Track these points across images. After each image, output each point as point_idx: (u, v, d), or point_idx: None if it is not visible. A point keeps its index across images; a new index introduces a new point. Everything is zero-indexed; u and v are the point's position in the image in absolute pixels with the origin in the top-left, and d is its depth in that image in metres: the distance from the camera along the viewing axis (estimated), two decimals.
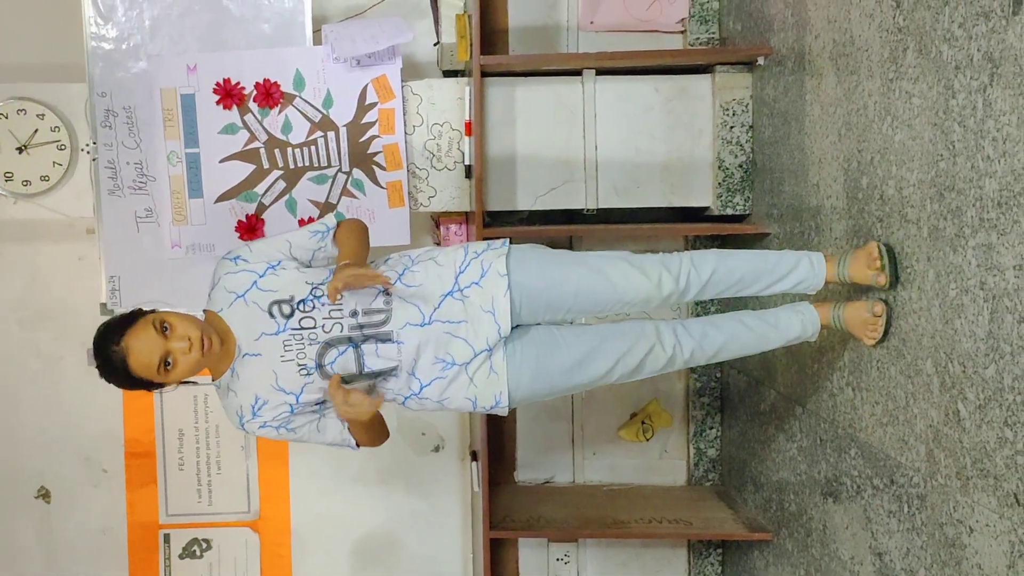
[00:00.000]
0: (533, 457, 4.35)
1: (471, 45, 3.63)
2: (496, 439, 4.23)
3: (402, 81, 3.78)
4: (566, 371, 2.66)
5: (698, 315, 3.91)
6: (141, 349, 2.38)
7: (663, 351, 2.70)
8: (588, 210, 3.92)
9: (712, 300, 4.14)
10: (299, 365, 2.50)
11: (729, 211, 3.88)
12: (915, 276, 2.44)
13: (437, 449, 4.25)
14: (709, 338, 2.75)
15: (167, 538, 4.20)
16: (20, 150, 3.85)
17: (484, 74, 3.74)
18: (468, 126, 3.77)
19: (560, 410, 4.32)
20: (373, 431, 2.67)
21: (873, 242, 2.61)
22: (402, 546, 4.27)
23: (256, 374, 2.51)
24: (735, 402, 4.12)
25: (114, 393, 4.04)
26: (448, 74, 4.03)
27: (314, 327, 2.50)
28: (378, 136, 3.79)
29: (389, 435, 2.78)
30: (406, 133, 3.82)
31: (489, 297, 2.59)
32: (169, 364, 2.40)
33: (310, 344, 2.50)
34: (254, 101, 3.77)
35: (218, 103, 3.77)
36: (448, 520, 4.26)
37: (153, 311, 2.47)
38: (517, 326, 2.67)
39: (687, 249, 4.20)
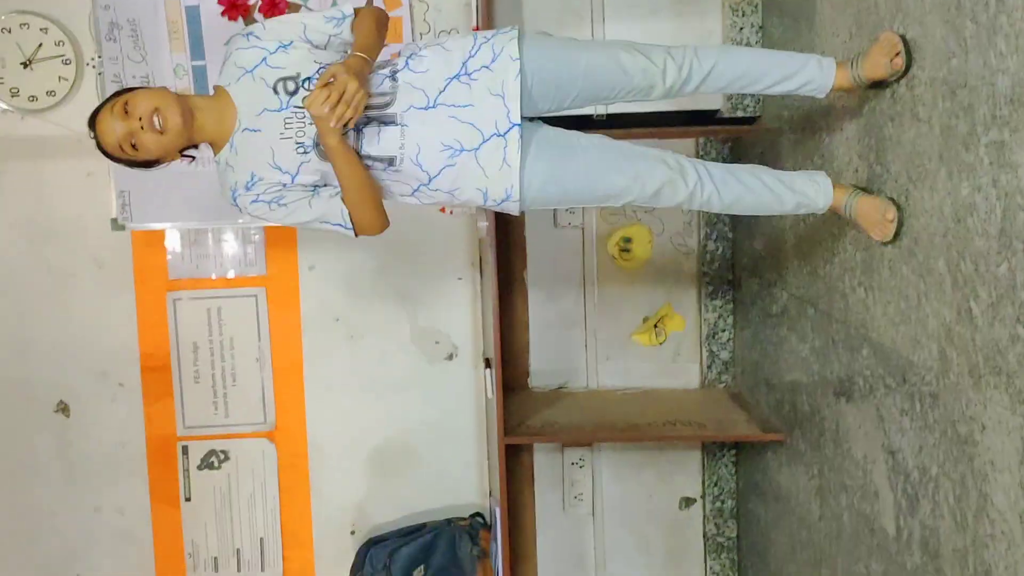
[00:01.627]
0: (547, 363, 4.38)
1: None
2: (510, 346, 4.25)
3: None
4: (580, 179, 2.62)
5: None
6: (105, 132, 2.48)
7: (684, 184, 2.64)
8: (598, 115, 3.88)
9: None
10: (297, 143, 2.50)
11: (739, 113, 3.85)
12: (927, 175, 2.41)
13: (451, 357, 4.27)
14: (728, 186, 2.69)
15: (185, 450, 4.25)
16: (25, 65, 3.82)
17: None
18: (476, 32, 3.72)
19: (573, 315, 4.33)
20: (368, 197, 2.56)
21: (887, 31, 2.56)
22: (418, 454, 4.31)
23: (254, 150, 2.52)
24: (747, 304, 4.12)
25: (128, 308, 4.14)
26: None
27: None
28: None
29: (388, 223, 2.65)
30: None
31: (499, 81, 2.55)
32: (135, 145, 2.47)
33: (311, 123, 2.48)
34: (259, 11, 3.72)
35: (223, 14, 3.73)
36: (463, 427, 4.30)
37: (130, 90, 2.52)
38: (531, 120, 2.64)
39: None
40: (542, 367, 4.38)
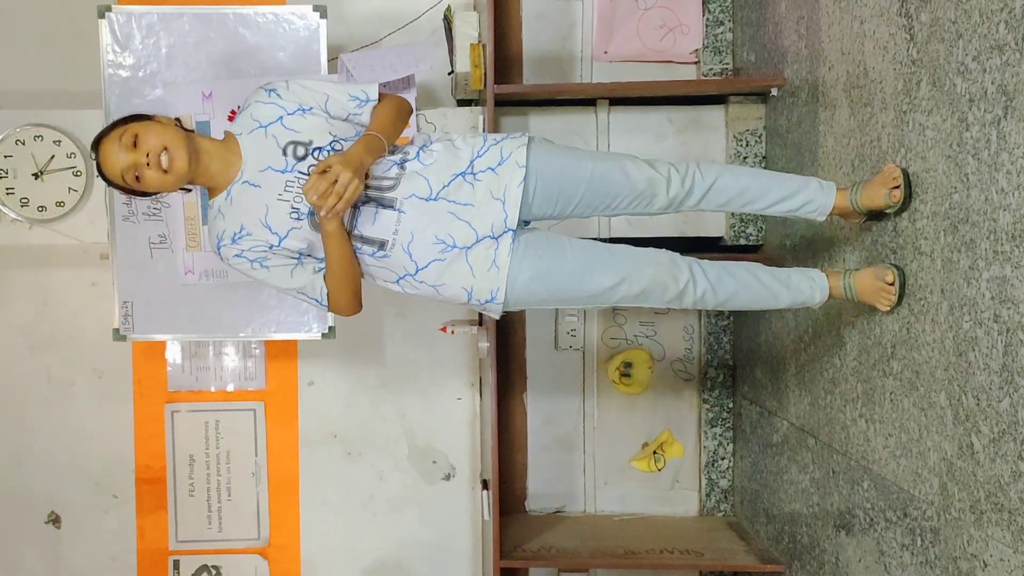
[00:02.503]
0: (544, 486, 4.34)
1: (485, 74, 3.64)
2: (507, 468, 4.22)
3: (417, 110, 3.80)
4: (568, 278, 2.61)
5: None
6: (107, 160, 2.49)
7: (675, 283, 2.64)
8: (600, 239, 3.91)
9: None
10: (292, 208, 2.51)
11: (742, 241, 3.88)
12: (929, 308, 2.43)
13: (448, 477, 4.24)
14: (723, 283, 2.69)
15: (176, 564, 4.19)
16: (36, 176, 3.87)
17: (498, 103, 3.75)
18: None
19: (571, 439, 4.31)
20: (349, 282, 2.58)
21: (890, 163, 2.61)
22: (413, 574, 4.25)
23: (250, 204, 2.52)
24: (747, 433, 4.10)
25: (125, 418, 4.12)
26: (462, 103, 4.04)
27: None
28: None
29: (362, 307, 2.66)
30: None
31: (502, 185, 2.57)
32: (138, 178, 2.48)
33: None
34: None
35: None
36: (458, 549, 4.25)
37: (140, 119, 2.53)
38: (527, 223, 2.66)
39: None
40: (539, 490, 4.34)
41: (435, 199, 2.54)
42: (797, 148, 3.43)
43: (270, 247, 2.54)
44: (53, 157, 3.87)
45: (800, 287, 2.74)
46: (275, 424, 4.19)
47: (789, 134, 3.52)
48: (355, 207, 2.52)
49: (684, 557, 3.80)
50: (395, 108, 2.65)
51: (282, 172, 2.53)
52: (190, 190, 2.68)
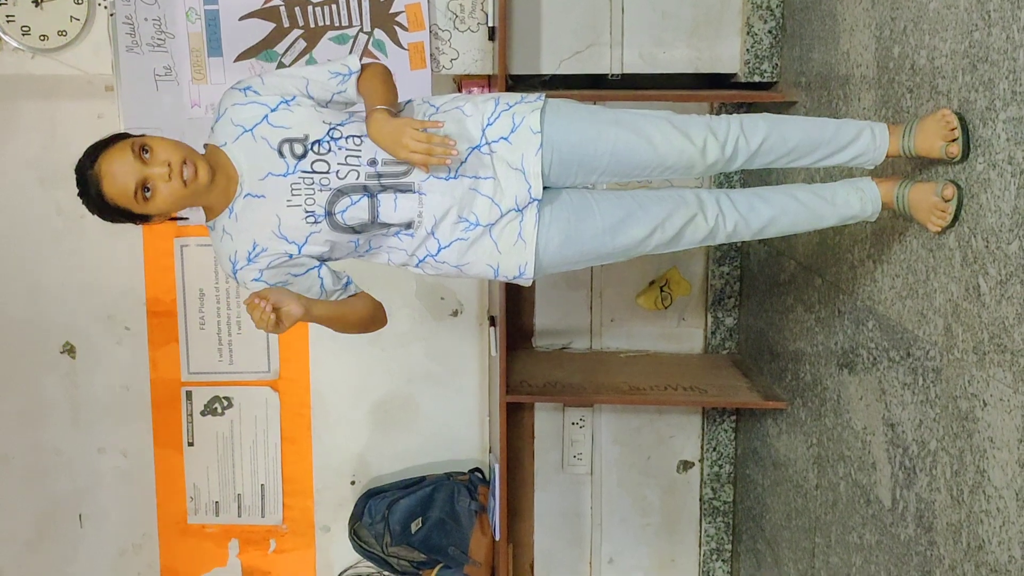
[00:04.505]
0: (551, 323, 4.38)
1: None
2: (515, 305, 4.25)
3: None
4: (598, 236, 2.46)
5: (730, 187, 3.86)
6: (115, 173, 2.21)
7: (704, 221, 2.48)
8: (612, 75, 3.86)
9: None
10: (306, 212, 2.33)
11: (756, 78, 3.81)
12: None
13: (455, 314, 4.27)
14: (756, 211, 2.52)
15: (189, 395, 4.27)
16: (36, 3, 3.79)
17: None
18: None
19: (579, 277, 4.32)
20: (357, 328, 2.56)
21: (945, 108, 2.35)
22: (419, 408, 4.33)
23: (257, 218, 2.33)
24: (755, 271, 4.11)
25: (135, 252, 4.14)
26: None
27: (327, 171, 2.33)
28: None
29: (387, 320, 2.62)
30: None
31: (519, 154, 2.40)
32: (148, 192, 2.23)
33: (320, 190, 2.32)
34: None
35: None
36: (465, 383, 4.31)
37: (135, 136, 2.30)
38: (547, 188, 2.47)
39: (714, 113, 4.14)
40: (546, 327, 4.39)
41: (455, 177, 2.37)
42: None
43: (289, 257, 2.36)
44: None
45: (849, 201, 2.54)
46: None
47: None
48: (372, 195, 2.35)
49: (687, 394, 3.86)
50: (381, 75, 2.45)
51: (284, 176, 2.32)
52: (187, 219, 2.46)
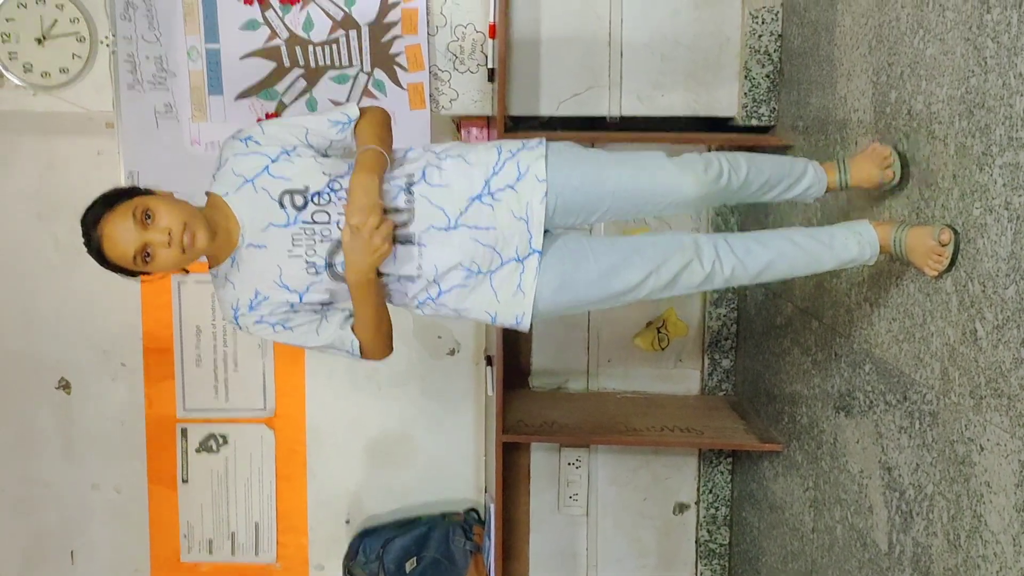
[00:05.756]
0: (548, 363, 4.38)
1: None
2: (511, 344, 4.25)
3: None
4: (593, 282, 2.46)
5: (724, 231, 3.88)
6: (116, 239, 2.23)
7: (700, 266, 2.49)
8: (611, 117, 3.88)
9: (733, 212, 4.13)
10: (307, 262, 2.34)
11: (754, 122, 3.83)
12: (939, 194, 2.41)
13: (452, 353, 4.27)
14: (753, 255, 2.53)
15: (184, 432, 4.26)
16: (39, 41, 3.82)
17: None
18: (492, 28, 3.72)
19: (576, 317, 4.32)
20: (382, 331, 2.46)
21: (875, 142, 2.56)
22: (415, 447, 4.32)
23: (259, 268, 2.35)
24: (752, 314, 4.12)
25: (132, 288, 4.14)
26: None
27: (327, 222, 2.33)
28: (400, 36, 3.75)
29: (393, 349, 2.54)
30: (429, 34, 3.77)
31: (524, 203, 2.40)
32: (148, 256, 2.24)
33: (321, 241, 2.33)
34: None
35: None
36: (462, 423, 4.30)
37: (142, 193, 2.33)
38: (545, 232, 2.47)
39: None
40: (543, 367, 4.38)
41: (455, 227, 2.37)
42: (814, 27, 3.36)
43: (291, 306, 2.38)
44: (56, 22, 3.81)
45: (847, 245, 2.56)
46: None
47: (807, 12, 3.45)
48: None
49: (684, 435, 3.85)
50: (378, 120, 2.48)
51: (285, 227, 2.33)
52: (188, 271, 2.43)
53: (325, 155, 2.46)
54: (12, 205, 4.12)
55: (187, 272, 2.44)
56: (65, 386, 4.23)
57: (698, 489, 4.41)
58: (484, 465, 4.28)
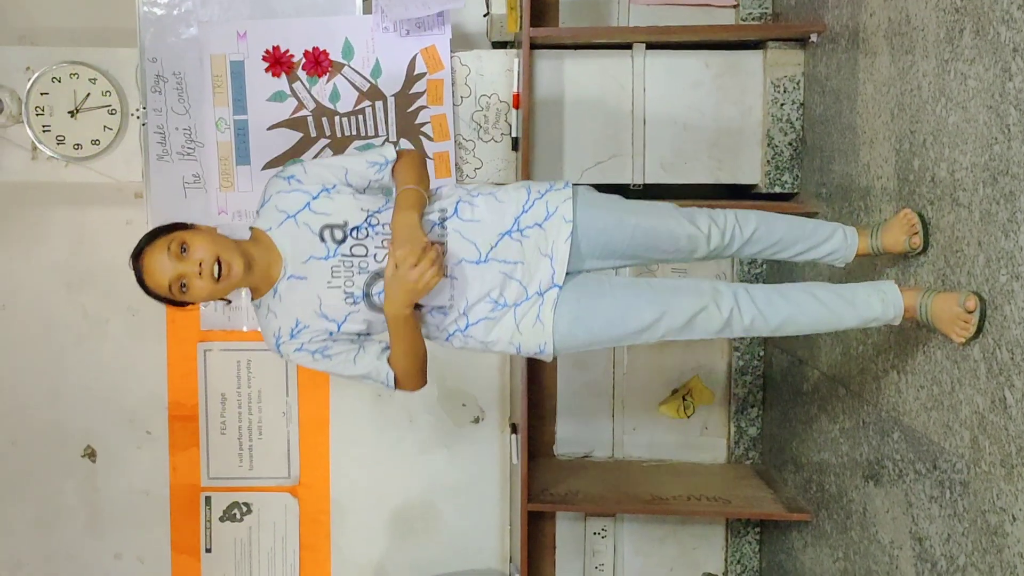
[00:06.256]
0: (573, 431, 4.36)
1: (521, 17, 3.61)
2: (536, 412, 4.24)
3: (451, 52, 3.78)
4: (608, 318, 2.54)
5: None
6: (153, 270, 2.38)
7: (718, 312, 2.54)
8: (635, 185, 3.90)
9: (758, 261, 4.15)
10: (346, 293, 2.45)
11: (777, 189, 3.85)
12: (965, 260, 2.40)
13: (477, 421, 4.26)
14: (774, 306, 2.56)
15: (208, 500, 4.25)
16: (72, 114, 3.89)
17: (534, 46, 3.71)
18: (516, 98, 3.76)
19: (601, 384, 4.31)
20: (417, 363, 2.51)
21: (905, 208, 2.66)
22: (440, 516, 4.29)
23: (300, 298, 2.46)
24: (777, 381, 4.09)
25: (158, 356, 4.17)
26: (497, 45, 4.01)
27: (365, 255, 2.45)
28: (426, 107, 3.79)
29: (427, 381, 2.60)
30: (454, 104, 3.82)
31: (550, 241, 2.53)
32: (184, 287, 2.38)
33: (359, 272, 2.45)
34: (303, 69, 3.78)
35: (267, 70, 3.78)
36: (486, 492, 4.27)
37: (184, 227, 2.44)
38: (568, 272, 2.57)
39: None
40: (568, 435, 4.36)
41: (485, 261, 2.49)
42: (836, 95, 3.38)
43: (329, 334, 2.48)
44: (89, 95, 3.89)
45: (870, 303, 2.58)
46: None
47: (828, 81, 3.47)
48: None
49: (711, 504, 3.81)
50: (415, 162, 2.60)
51: (325, 259, 2.46)
52: (230, 300, 2.60)
53: (363, 192, 2.57)
54: (42, 275, 4.17)
55: (229, 302, 2.59)
56: (91, 455, 4.24)
57: (726, 559, 4.35)
58: (509, 535, 4.24)
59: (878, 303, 2.57)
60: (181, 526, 4.26)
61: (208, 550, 4.27)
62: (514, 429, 3.91)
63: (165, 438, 4.24)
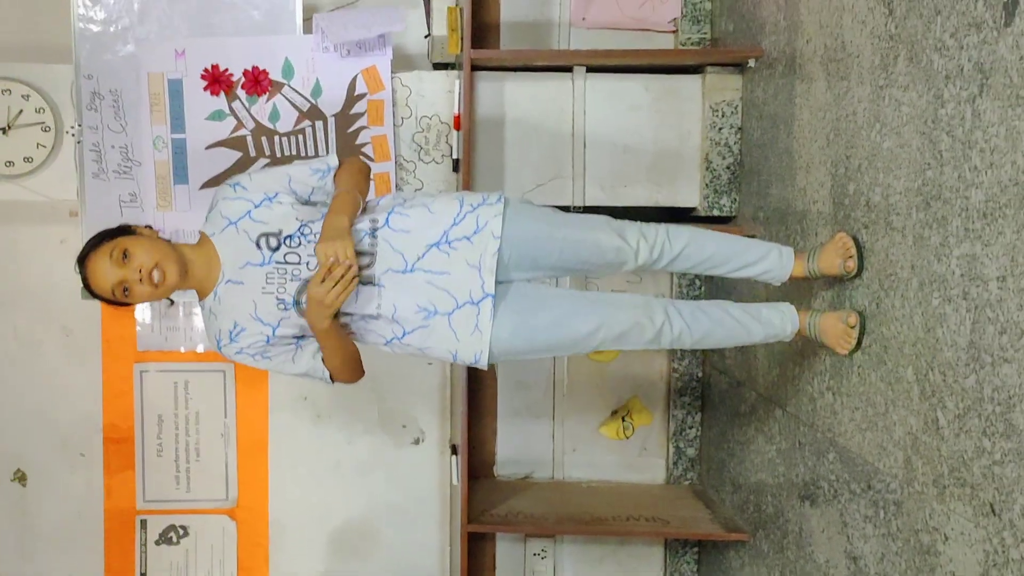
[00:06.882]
0: (513, 452, 4.35)
1: (462, 38, 3.62)
2: (476, 433, 4.23)
3: (392, 72, 3.78)
4: (547, 328, 2.66)
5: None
6: (96, 275, 2.49)
7: (651, 324, 2.70)
8: (574, 207, 3.92)
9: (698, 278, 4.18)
10: (278, 299, 2.54)
11: (715, 212, 3.89)
12: (899, 284, 2.44)
13: (417, 442, 4.24)
14: (697, 321, 2.75)
15: (144, 524, 4.19)
16: (4, 131, 3.82)
17: (474, 68, 3.73)
18: (457, 120, 3.77)
19: (541, 405, 4.32)
20: (348, 362, 2.66)
21: (841, 232, 2.74)
22: (380, 537, 4.26)
23: (237, 301, 2.56)
24: (716, 402, 4.12)
25: (93, 377, 4.10)
26: (438, 67, 4.02)
27: (298, 263, 2.54)
28: (366, 127, 3.79)
29: (364, 373, 2.75)
30: (394, 125, 3.82)
31: (478, 254, 2.60)
32: (126, 291, 2.49)
33: (291, 280, 2.54)
34: (242, 88, 3.76)
35: (206, 89, 3.76)
36: (426, 513, 4.26)
37: (128, 232, 2.55)
38: (500, 282, 2.66)
39: None
40: (508, 456, 4.36)
41: (411, 271, 2.57)
42: (773, 120, 3.43)
43: (267, 339, 2.58)
44: (21, 112, 3.83)
45: (771, 320, 2.82)
46: (245, 386, 4.18)
47: (765, 106, 3.52)
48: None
49: (650, 524, 3.83)
50: (356, 168, 2.70)
51: (261, 266, 2.55)
52: (173, 301, 2.69)
53: (307, 202, 2.66)
54: None
55: (172, 303, 2.74)
56: (21, 478, 4.16)
57: None
58: (449, 555, 4.23)
59: (778, 319, 2.82)
60: (116, 550, 4.19)
61: (143, 574, 4.20)
62: (454, 450, 3.90)
63: (100, 460, 4.18)
